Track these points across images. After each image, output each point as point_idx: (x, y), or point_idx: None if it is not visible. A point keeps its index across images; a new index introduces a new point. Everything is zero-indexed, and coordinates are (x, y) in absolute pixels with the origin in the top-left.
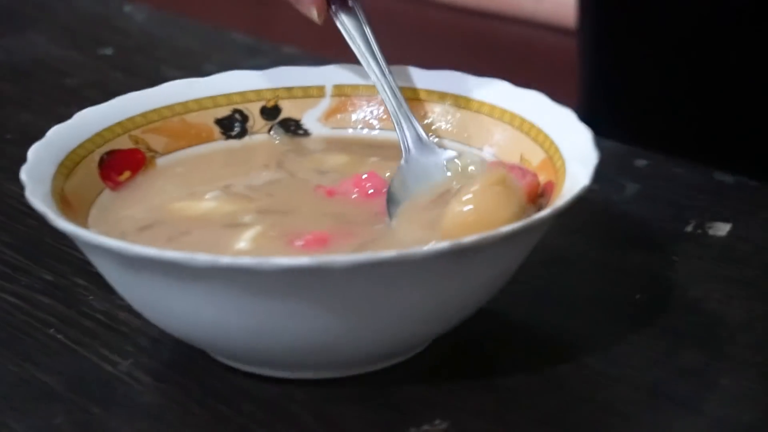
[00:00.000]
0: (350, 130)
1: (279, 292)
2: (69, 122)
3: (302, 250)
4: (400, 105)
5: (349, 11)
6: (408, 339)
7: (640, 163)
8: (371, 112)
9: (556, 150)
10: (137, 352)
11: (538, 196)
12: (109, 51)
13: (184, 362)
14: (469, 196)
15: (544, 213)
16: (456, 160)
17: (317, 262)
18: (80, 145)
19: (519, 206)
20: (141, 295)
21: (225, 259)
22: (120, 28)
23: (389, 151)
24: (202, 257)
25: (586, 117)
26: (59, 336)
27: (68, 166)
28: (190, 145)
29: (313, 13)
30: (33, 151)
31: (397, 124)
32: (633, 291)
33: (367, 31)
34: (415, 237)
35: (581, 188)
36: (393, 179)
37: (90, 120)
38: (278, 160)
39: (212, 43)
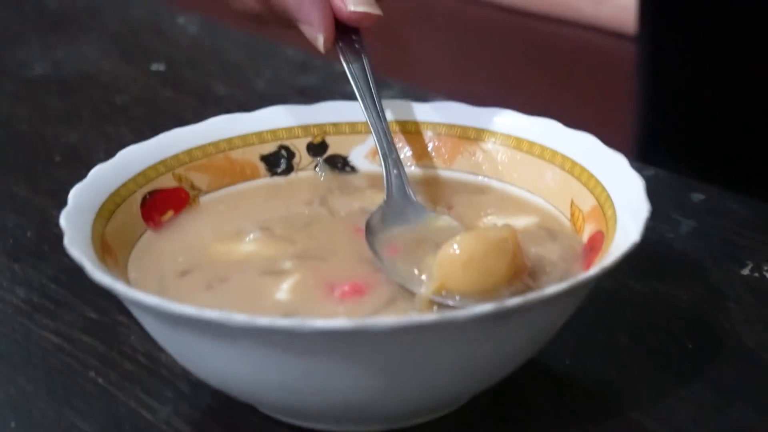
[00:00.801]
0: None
1: (317, 352)
2: (111, 161)
3: (340, 300)
4: (390, 150)
5: (354, 50)
6: (447, 397)
7: (697, 197)
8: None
9: (607, 198)
10: (177, 399)
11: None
12: (161, 67)
13: (225, 412)
14: (472, 241)
15: (591, 273)
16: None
17: (357, 326)
18: (123, 186)
19: (512, 260)
20: (178, 348)
21: (263, 320)
22: (172, 41)
23: (434, 189)
24: (240, 318)
25: (641, 135)
26: (99, 379)
27: (110, 208)
28: (234, 183)
29: (320, 41)
30: (73, 195)
31: (385, 169)
32: (684, 338)
33: (368, 71)
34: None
35: (631, 245)
36: (373, 216)
37: (133, 158)
38: (322, 197)
39: (262, 57)
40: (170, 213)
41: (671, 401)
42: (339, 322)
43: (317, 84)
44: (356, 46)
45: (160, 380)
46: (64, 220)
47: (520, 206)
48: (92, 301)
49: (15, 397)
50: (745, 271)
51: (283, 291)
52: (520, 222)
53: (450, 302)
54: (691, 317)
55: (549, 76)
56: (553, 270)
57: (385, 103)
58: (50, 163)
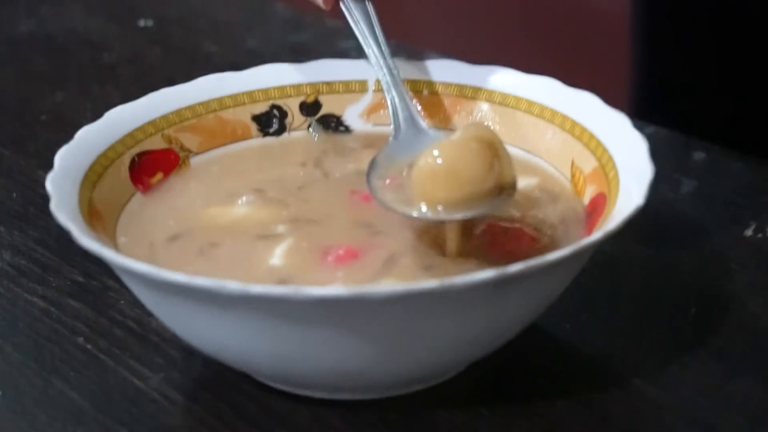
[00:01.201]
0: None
1: (312, 321)
2: (98, 123)
3: (335, 265)
4: (396, 83)
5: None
6: (445, 364)
7: (698, 156)
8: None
9: (609, 159)
10: (168, 366)
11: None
12: (149, 23)
13: (217, 379)
14: (439, 149)
15: (594, 237)
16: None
17: (353, 293)
18: (110, 148)
19: (491, 162)
20: (169, 315)
21: (256, 288)
22: None
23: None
24: (233, 286)
25: (638, 92)
26: (88, 346)
27: (97, 171)
28: (225, 144)
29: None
30: (60, 157)
31: (391, 104)
32: (686, 304)
33: (374, 20)
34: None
35: (634, 209)
36: (380, 152)
37: (120, 119)
38: (316, 159)
39: (253, 15)
40: (160, 175)
41: (676, 370)
42: (335, 290)
43: (310, 42)
44: None
45: (151, 347)
46: (50, 184)
47: (519, 167)
48: (80, 265)
49: (2, 366)
50: (749, 232)
51: (277, 256)
52: (520, 183)
53: (431, 215)
54: (694, 281)
55: (543, 34)
56: (554, 233)
57: None
58: (36, 123)
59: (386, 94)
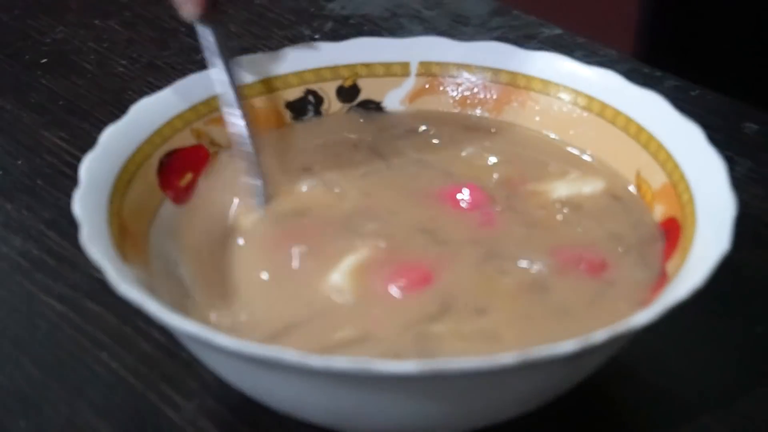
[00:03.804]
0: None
1: (381, 388)
2: (123, 121)
3: (403, 293)
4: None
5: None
6: (508, 416)
7: (750, 128)
8: (462, 94)
9: (682, 178)
10: (203, 391)
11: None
12: None
13: (255, 410)
14: None
15: (680, 294)
16: None
17: (429, 369)
18: (138, 150)
19: None
20: (214, 365)
21: (317, 360)
22: None
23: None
24: (292, 356)
25: (645, 38)
26: (113, 364)
27: (125, 179)
28: (258, 134)
29: (189, 10)
30: (86, 169)
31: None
32: (750, 320)
33: (228, 47)
34: None
35: (719, 256)
36: None
37: (145, 114)
38: (370, 143)
39: None
40: (189, 176)
41: (745, 399)
42: (409, 365)
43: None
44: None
45: (181, 365)
46: (79, 207)
47: (581, 167)
48: None
49: (23, 385)
50: None
51: (339, 291)
52: (585, 188)
53: None
54: (757, 289)
55: None
56: (628, 251)
57: (421, 40)
58: (36, 67)
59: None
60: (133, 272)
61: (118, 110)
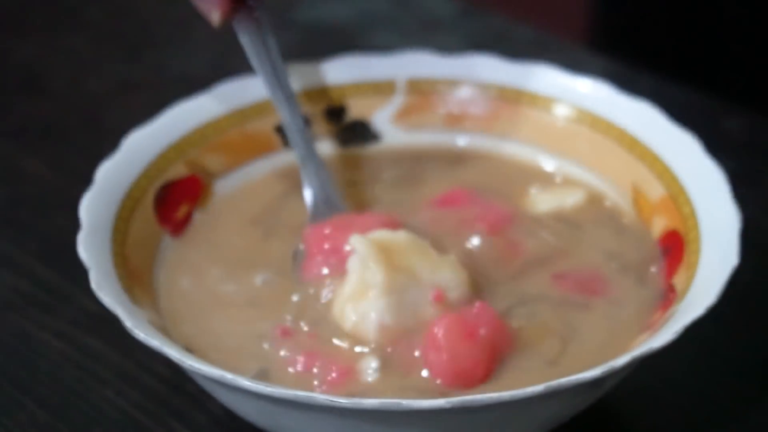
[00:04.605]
0: (427, 135)
1: (413, 424)
2: (117, 156)
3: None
4: (311, 156)
5: (254, 22)
6: None
7: (730, 125)
8: (450, 112)
9: (681, 190)
10: (212, 425)
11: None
12: None
13: None
14: None
15: (695, 315)
16: None
17: (458, 403)
18: (134, 185)
19: None
20: (233, 404)
21: (345, 401)
22: None
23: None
24: (320, 398)
25: (593, 23)
26: (119, 401)
27: (124, 217)
28: (248, 160)
29: (214, 16)
30: (86, 209)
31: (308, 182)
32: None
33: (273, 48)
34: None
35: (730, 271)
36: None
37: (138, 147)
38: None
39: None
40: (185, 208)
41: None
42: (439, 402)
43: None
44: (255, 18)
45: (188, 399)
46: (84, 251)
47: (569, 181)
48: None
49: (30, 431)
50: None
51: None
52: (567, 200)
53: None
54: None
55: None
56: (627, 272)
57: (410, 56)
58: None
59: (301, 168)
60: (144, 313)
61: (94, 132)
